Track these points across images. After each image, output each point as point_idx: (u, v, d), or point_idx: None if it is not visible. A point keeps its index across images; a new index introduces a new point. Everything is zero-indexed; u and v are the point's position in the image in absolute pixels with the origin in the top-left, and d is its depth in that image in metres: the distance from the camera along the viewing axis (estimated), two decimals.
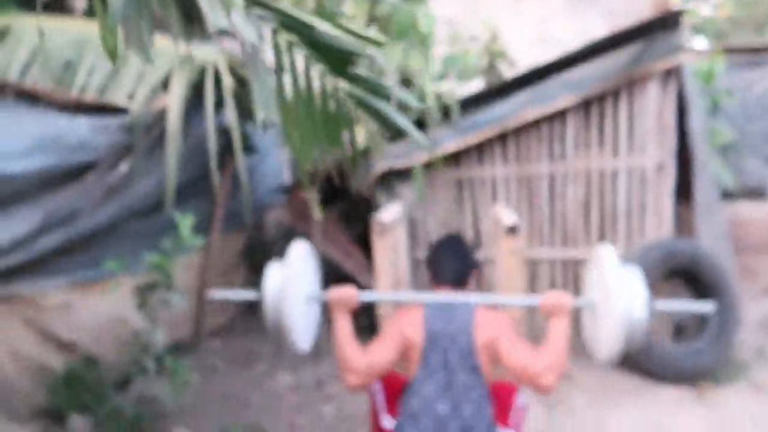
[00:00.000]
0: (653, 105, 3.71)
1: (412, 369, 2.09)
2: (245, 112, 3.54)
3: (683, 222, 4.18)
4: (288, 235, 5.08)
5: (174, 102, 2.87)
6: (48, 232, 2.46)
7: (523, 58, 3.95)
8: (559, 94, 3.68)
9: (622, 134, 3.79)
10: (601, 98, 3.79)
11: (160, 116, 2.94)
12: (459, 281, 2.20)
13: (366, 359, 2.01)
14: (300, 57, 1.07)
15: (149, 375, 2.83)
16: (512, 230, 2.71)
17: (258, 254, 4.80)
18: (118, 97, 2.95)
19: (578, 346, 3.86)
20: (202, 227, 3.95)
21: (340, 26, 1.07)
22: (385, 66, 3.28)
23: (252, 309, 5.03)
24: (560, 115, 3.85)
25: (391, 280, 2.90)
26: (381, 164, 3.84)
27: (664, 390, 3.40)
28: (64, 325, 2.78)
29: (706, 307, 2.07)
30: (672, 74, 3.68)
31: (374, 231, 2.84)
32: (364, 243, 4.08)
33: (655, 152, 3.75)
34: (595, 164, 3.84)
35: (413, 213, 4.05)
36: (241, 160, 2.73)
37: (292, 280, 2.01)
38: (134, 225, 3.04)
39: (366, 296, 2.13)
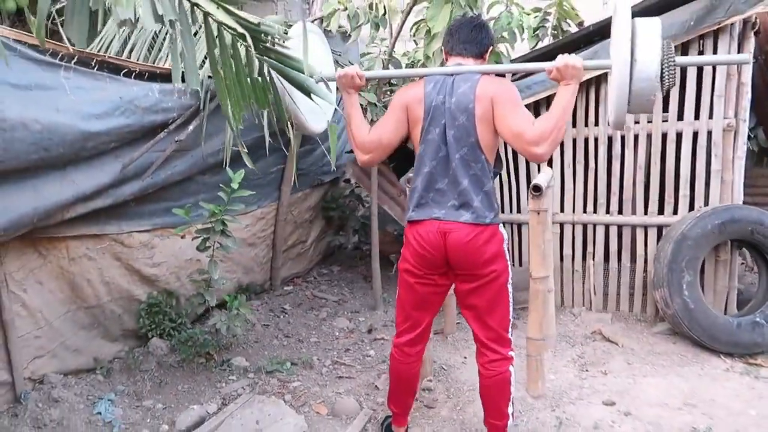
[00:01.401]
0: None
1: (417, 146, 2.21)
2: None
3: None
4: (354, 191, 5.41)
5: None
6: (127, 182, 2.93)
7: (594, 18, 3.82)
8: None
9: (688, 94, 3.61)
10: None
11: None
12: (471, 52, 2.19)
13: (371, 135, 2.21)
14: (228, 35, 1.30)
15: (218, 311, 3.28)
16: (536, 189, 2.77)
17: (332, 209, 5.17)
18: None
19: (621, 317, 3.85)
20: (276, 183, 4.37)
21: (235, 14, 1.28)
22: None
23: (326, 261, 5.45)
24: None
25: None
26: None
27: (714, 361, 3.31)
28: (146, 262, 3.29)
29: (742, 57, 1.95)
30: (748, 27, 3.42)
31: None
32: None
33: (725, 114, 3.54)
34: (657, 127, 3.70)
35: None
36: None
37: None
38: (204, 179, 3.46)
39: (370, 74, 2.30)
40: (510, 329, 2.31)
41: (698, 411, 2.79)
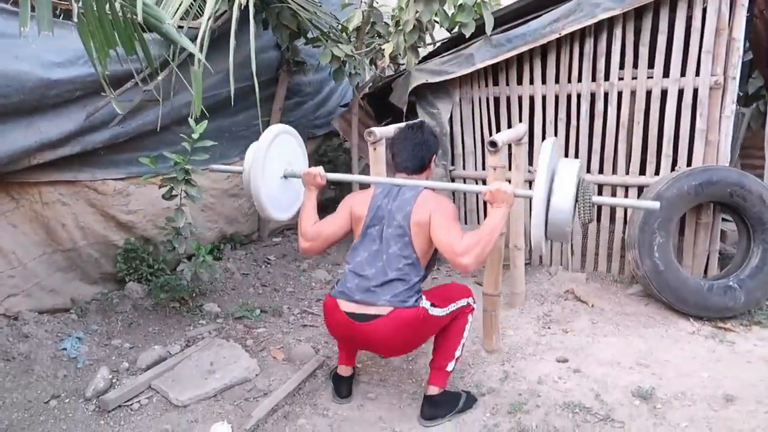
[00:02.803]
0: (714, 16, 3.31)
1: (356, 240, 2.39)
2: (295, 31, 3.81)
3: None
4: (343, 144, 5.42)
5: (205, 19, 3.22)
6: (95, 131, 3.01)
7: None
8: (601, 4, 3.42)
9: (675, 50, 3.46)
10: (656, 9, 3.46)
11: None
12: (414, 168, 2.41)
13: (315, 228, 2.43)
14: None
15: (193, 258, 3.37)
16: (493, 145, 2.74)
17: (323, 162, 5.20)
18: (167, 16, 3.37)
19: (597, 277, 3.81)
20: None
21: None
22: None
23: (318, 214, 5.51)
24: (606, 29, 3.59)
25: None
26: (416, 79, 3.92)
27: (682, 324, 3.27)
28: (121, 209, 3.39)
29: (652, 204, 2.10)
30: None
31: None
32: None
33: (713, 71, 3.38)
34: (642, 83, 3.57)
35: (449, 128, 4.12)
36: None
37: (261, 160, 2.48)
38: (182, 129, 3.51)
39: (331, 176, 2.56)
40: (464, 303, 2.45)
41: (648, 371, 2.79)
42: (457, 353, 2.44)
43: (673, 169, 3.56)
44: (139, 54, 1.77)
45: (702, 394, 2.59)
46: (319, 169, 2.53)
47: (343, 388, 2.60)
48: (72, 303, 3.25)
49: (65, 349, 2.85)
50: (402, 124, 2.62)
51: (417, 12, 3.38)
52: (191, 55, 3.25)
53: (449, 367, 2.42)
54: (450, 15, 3.73)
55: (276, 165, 2.61)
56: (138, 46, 1.67)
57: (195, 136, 2.97)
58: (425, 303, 2.26)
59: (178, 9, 3.27)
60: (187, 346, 3.04)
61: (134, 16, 1.55)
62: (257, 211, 2.65)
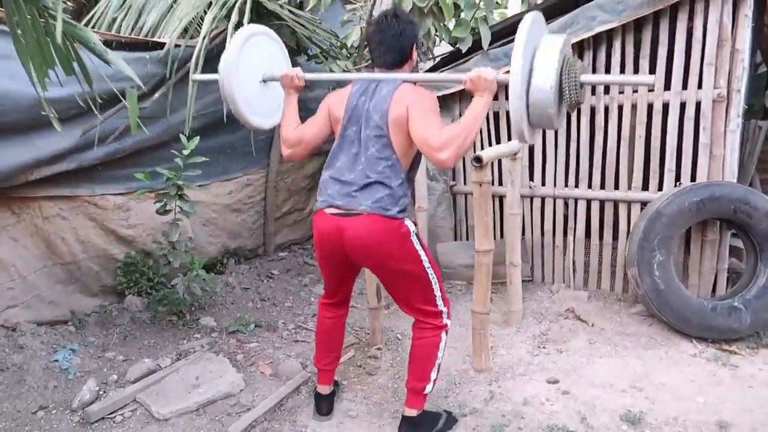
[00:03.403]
0: (716, 27, 3.22)
1: (335, 143, 2.27)
2: (294, 48, 3.86)
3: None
4: None
5: (201, 38, 3.29)
6: (90, 147, 3.09)
7: None
8: (597, 17, 3.36)
9: (676, 62, 3.37)
10: (656, 21, 3.39)
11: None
12: (393, 62, 2.22)
13: (296, 132, 2.31)
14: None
15: (190, 273, 3.42)
16: (477, 161, 2.71)
17: None
18: (167, 36, 3.47)
19: (600, 296, 3.71)
20: (265, 151, 4.46)
21: None
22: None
23: None
24: (605, 41, 3.53)
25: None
26: None
27: (684, 346, 3.15)
28: (121, 223, 3.47)
29: (646, 79, 1.89)
30: None
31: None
32: None
33: (715, 83, 3.28)
34: (643, 97, 3.49)
35: None
36: None
37: (234, 61, 2.33)
38: (176, 146, 3.59)
39: (309, 76, 2.41)
40: (439, 302, 2.31)
41: (642, 395, 2.69)
42: (433, 375, 2.35)
43: (677, 185, 3.45)
44: (78, 75, 1.80)
45: (695, 419, 2.48)
46: (297, 70, 2.37)
47: (322, 405, 2.58)
48: (72, 315, 3.33)
49: (57, 360, 2.91)
50: (376, 15, 2.39)
51: None
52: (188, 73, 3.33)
53: (426, 390, 2.35)
54: (449, 30, 3.73)
55: (255, 69, 2.46)
56: (76, 66, 1.71)
57: (186, 152, 3.02)
58: (411, 225, 2.18)
59: (176, 28, 3.37)
60: (178, 359, 3.08)
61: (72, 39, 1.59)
62: (236, 118, 2.47)
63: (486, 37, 3.56)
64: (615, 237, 3.75)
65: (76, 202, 3.26)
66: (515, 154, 3.26)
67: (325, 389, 2.59)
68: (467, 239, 4.23)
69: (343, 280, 2.44)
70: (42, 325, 3.17)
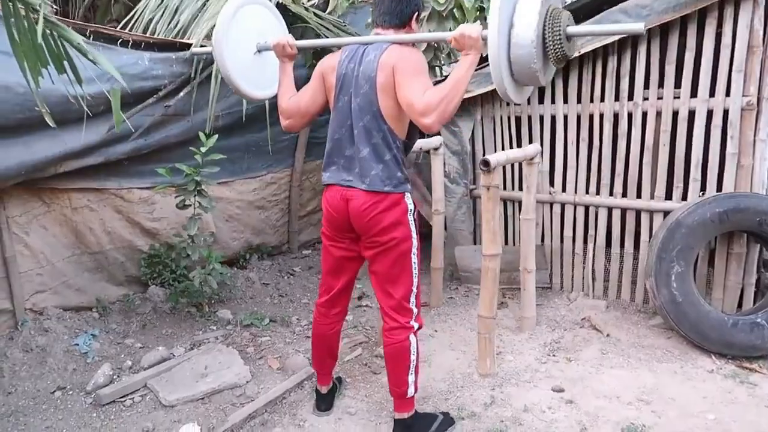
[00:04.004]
0: (746, 32, 3.10)
1: (332, 112, 2.27)
2: (319, 53, 3.93)
3: None
4: None
5: None
6: (118, 143, 3.24)
7: None
8: (621, 22, 3.28)
9: (703, 68, 3.26)
10: (683, 26, 3.29)
11: None
12: (392, 22, 2.17)
13: (292, 101, 2.32)
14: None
15: (207, 266, 3.52)
16: (485, 164, 2.70)
17: None
18: (195, 38, 3.59)
19: (620, 306, 3.61)
20: (290, 150, 4.55)
21: None
22: None
23: None
24: (630, 47, 3.45)
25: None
26: None
27: (701, 361, 3.04)
28: (146, 216, 3.62)
29: (636, 26, 1.76)
30: None
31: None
32: None
33: (744, 91, 3.16)
34: (668, 104, 3.39)
35: (471, 147, 4.08)
36: None
37: (224, 32, 2.35)
38: (199, 144, 3.70)
39: (300, 43, 2.42)
40: (413, 300, 2.29)
41: (648, 408, 2.62)
42: (410, 378, 2.31)
43: (701, 195, 3.34)
44: (70, 75, 1.89)
45: None
46: (288, 37, 2.35)
47: (321, 402, 2.62)
48: (97, 302, 3.48)
49: (77, 344, 3.06)
50: None
51: (429, 30, 3.40)
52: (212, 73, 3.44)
53: (408, 394, 2.33)
54: None
55: (250, 39, 2.47)
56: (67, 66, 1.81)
57: (203, 150, 3.12)
58: (410, 202, 2.21)
59: (203, 29, 3.49)
60: (192, 349, 3.18)
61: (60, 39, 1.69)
62: (234, 92, 2.52)
63: None
64: (636, 246, 3.65)
65: (104, 194, 3.42)
66: (532, 159, 3.23)
67: (323, 388, 2.63)
68: (513, 244, 4.20)
69: (342, 270, 2.40)
70: (68, 311, 3.33)
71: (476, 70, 3.69)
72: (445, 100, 1.91)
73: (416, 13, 2.22)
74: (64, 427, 2.50)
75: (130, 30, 3.97)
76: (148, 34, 3.82)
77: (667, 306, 3.10)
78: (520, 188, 3.94)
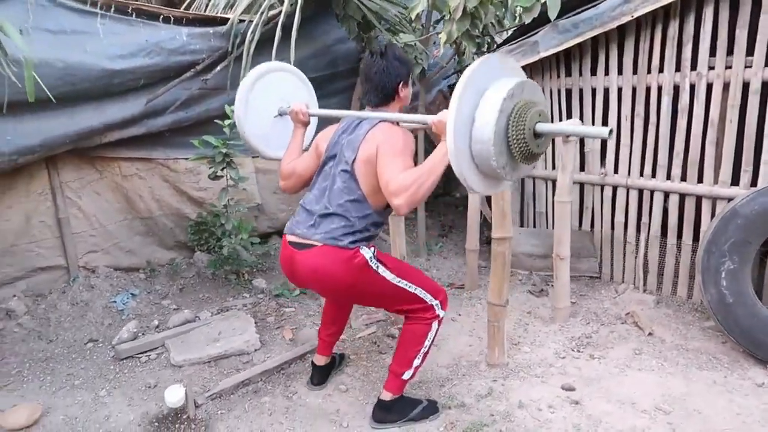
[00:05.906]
0: None
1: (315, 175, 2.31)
2: (363, 24, 3.87)
3: None
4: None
5: (258, 14, 3.45)
6: (158, 115, 3.42)
7: None
8: None
9: None
10: None
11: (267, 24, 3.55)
12: (378, 101, 2.22)
13: (290, 165, 2.40)
14: None
15: (236, 237, 3.63)
16: None
17: None
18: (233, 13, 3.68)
19: (673, 303, 3.22)
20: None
21: None
22: None
23: None
24: (694, 9, 3.00)
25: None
26: None
27: (752, 372, 2.65)
28: (192, 186, 3.81)
29: (602, 131, 1.64)
30: None
31: None
32: None
33: None
34: (738, 74, 2.92)
35: None
36: None
37: (242, 101, 2.50)
38: None
39: (313, 111, 2.53)
40: (425, 297, 2.24)
41: (664, 419, 2.33)
42: (416, 362, 2.28)
43: None
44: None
45: None
46: (302, 105, 2.47)
47: (315, 375, 2.64)
48: (147, 264, 3.76)
49: (115, 301, 3.32)
50: (369, 54, 2.31)
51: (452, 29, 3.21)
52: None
53: (405, 376, 2.29)
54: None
55: (270, 104, 2.58)
56: None
57: (228, 122, 3.21)
58: (366, 252, 2.09)
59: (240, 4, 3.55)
60: (218, 314, 3.33)
61: None
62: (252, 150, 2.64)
63: (553, 6, 3.22)
64: (696, 238, 3.24)
65: (152, 164, 3.64)
66: (567, 135, 2.95)
67: (320, 360, 2.64)
68: (534, 226, 3.95)
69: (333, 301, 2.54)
70: (118, 270, 3.62)
71: (522, 39, 3.44)
72: (417, 182, 1.87)
73: (401, 83, 2.21)
74: (83, 375, 2.74)
75: (185, 8, 4.15)
76: (192, 11, 3.97)
77: (714, 306, 2.73)
78: (581, 169, 3.64)
